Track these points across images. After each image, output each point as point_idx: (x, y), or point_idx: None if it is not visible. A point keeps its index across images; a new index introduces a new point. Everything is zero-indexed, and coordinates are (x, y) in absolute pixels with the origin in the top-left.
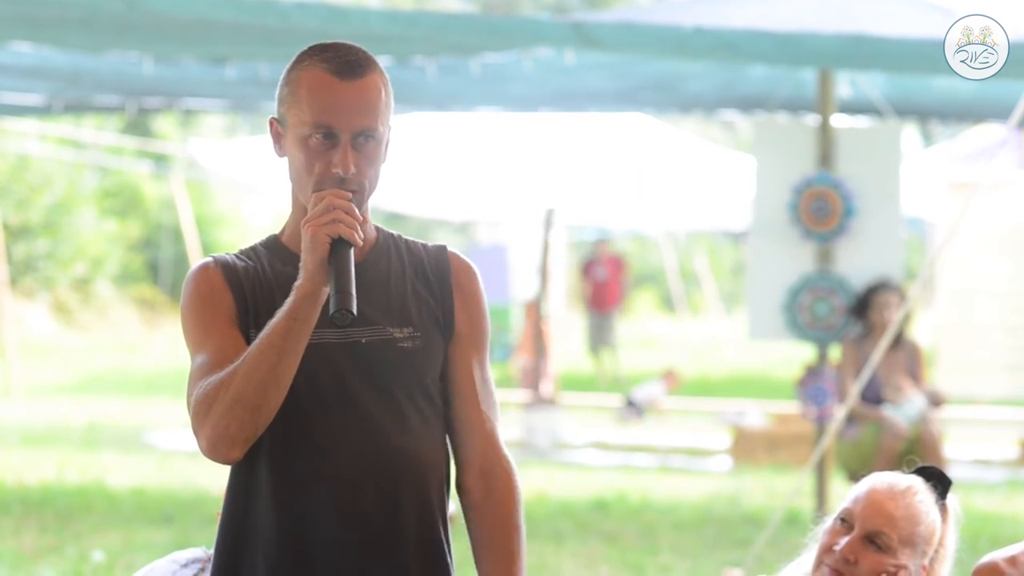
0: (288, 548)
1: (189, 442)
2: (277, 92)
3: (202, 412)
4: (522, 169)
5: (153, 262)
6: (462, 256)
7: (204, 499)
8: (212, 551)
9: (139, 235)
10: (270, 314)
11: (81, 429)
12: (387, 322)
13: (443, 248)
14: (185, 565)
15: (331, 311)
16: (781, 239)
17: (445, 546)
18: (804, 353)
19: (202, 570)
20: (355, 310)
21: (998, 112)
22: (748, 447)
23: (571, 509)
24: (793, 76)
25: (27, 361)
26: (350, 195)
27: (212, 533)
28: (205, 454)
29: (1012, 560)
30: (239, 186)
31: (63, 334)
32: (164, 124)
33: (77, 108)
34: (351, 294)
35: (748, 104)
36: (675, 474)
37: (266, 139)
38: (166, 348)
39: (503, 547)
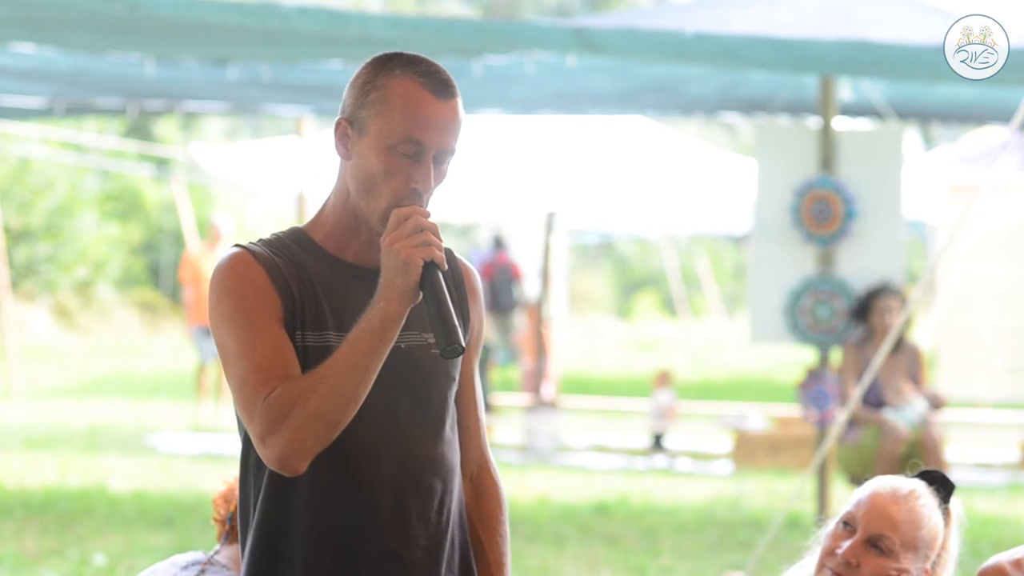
0: (327, 552)
1: (190, 445)
2: (354, 93)
3: (273, 424)
4: (523, 172)
5: (154, 265)
6: (467, 262)
7: (205, 502)
8: (211, 554)
9: (140, 238)
10: (316, 317)
11: (82, 432)
12: (421, 327)
13: (450, 252)
14: (185, 568)
15: (441, 346)
16: (782, 242)
17: (471, 550)
18: (805, 356)
19: (202, 572)
20: (464, 342)
21: (999, 115)
22: (749, 450)
23: (572, 512)
24: (795, 79)
25: (28, 364)
26: (431, 214)
27: (212, 536)
28: (272, 465)
29: (1018, 563)
30: (240, 189)
31: (64, 337)
32: (165, 128)
33: (78, 110)
34: (457, 326)
35: (749, 107)
36: (677, 477)
37: (267, 142)
38: (167, 351)
39: (493, 554)
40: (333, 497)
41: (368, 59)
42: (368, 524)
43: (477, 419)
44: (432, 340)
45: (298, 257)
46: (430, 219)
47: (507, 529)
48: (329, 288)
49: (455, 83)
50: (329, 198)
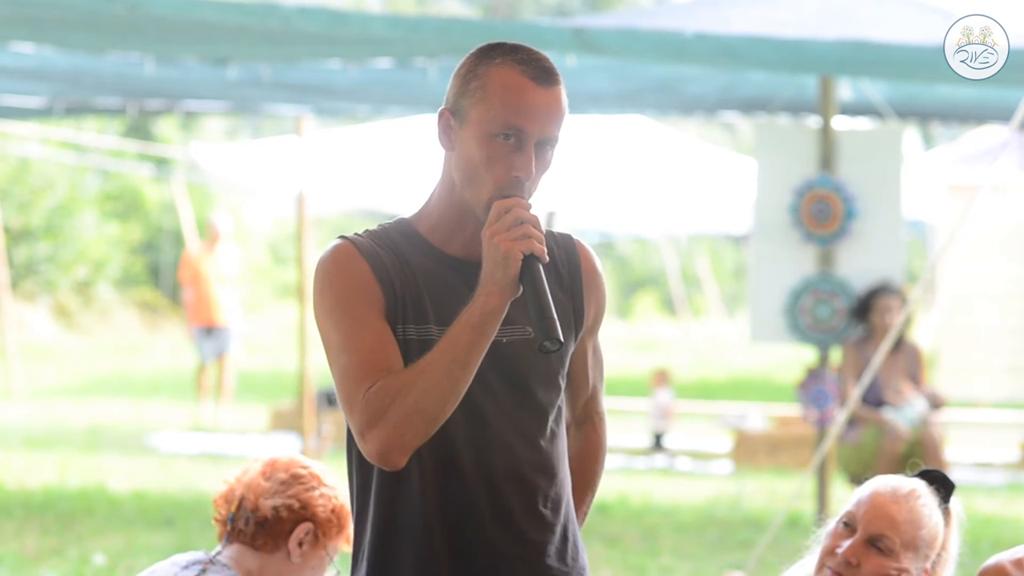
0: (436, 547)
1: (190, 445)
2: (457, 82)
3: (373, 419)
4: None
5: (154, 265)
6: (587, 246)
7: (205, 502)
8: (212, 554)
9: (140, 238)
10: (418, 310)
11: (82, 432)
12: (526, 321)
13: (570, 238)
14: (186, 567)
15: (539, 340)
16: (782, 242)
17: (580, 542)
18: (805, 356)
19: (203, 571)
20: (562, 337)
21: (999, 114)
22: (749, 450)
23: None
24: (794, 78)
25: (28, 364)
26: (532, 206)
27: (213, 536)
28: (372, 459)
29: (1018, 562)
30: (240, 189)
31: (64, 337)
32: (165, 127)
33: (78, 110)
34: (556, 320)
35: (749, 106)
36: (677, 477)
37: (267, 142)
38: (167, 351)
39: (578, 495)
40: (439, 492)
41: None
42: (473, 518)
43: (586, 382)
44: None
45: (402, 249)
46: (531, 211)
47: (600, 469)
48: (432, 281)
49: (558, 71)
50: (435, 190)
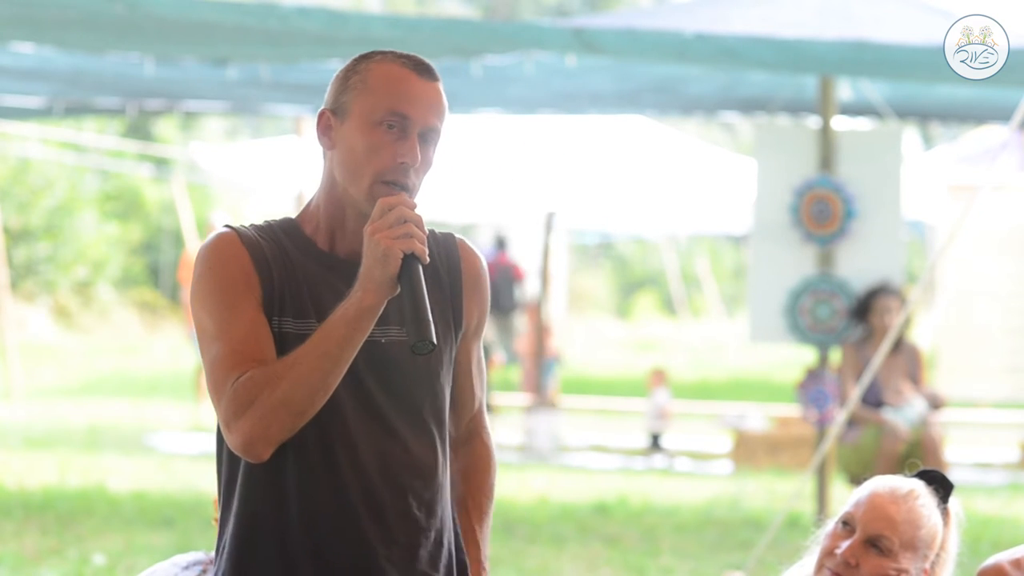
0: (308, 541)
1: (190, 445)
2: (336, 84)
3: (240, 409)
4: (523, 172)
5: (154, 265)
6: (470, 245)
7: (205, 502)
8: (213, 552)
9: (140, 238)
10: (297, 305)
11: (82, 432)
12: (404, 322)
13: (451, 237)
14: (186, 568)
15: (412, 341)
16: (782, 242)
17: (458, 554)
18: (805, 356)
19: (204, 571)
20: (435, 339)
21: (999, 114)
22: (749, 450)
23: (572, 512)
24: (794, 78)
25: (28, 364)
26: (416, 205)
27: (213, 536)
28: (237, 450)
29: (1017, 563)
30: (240, 189)
31: (64, 337)
32: (165, 127)
33: (78, 110)
34: (430, 322)
35: (749, 106)
36: (676, 477)
37: (266, 142)
38: (167, 351)
39: (477, 508)
40: (311, 489)
41: None
42: (346, 516)
43: (472, 397)
44: None
45: (284, 245)
46: (415, 211)
47: (493, 486)
48: (312, 279)
49: (436, 71)
50: (316, 193)
